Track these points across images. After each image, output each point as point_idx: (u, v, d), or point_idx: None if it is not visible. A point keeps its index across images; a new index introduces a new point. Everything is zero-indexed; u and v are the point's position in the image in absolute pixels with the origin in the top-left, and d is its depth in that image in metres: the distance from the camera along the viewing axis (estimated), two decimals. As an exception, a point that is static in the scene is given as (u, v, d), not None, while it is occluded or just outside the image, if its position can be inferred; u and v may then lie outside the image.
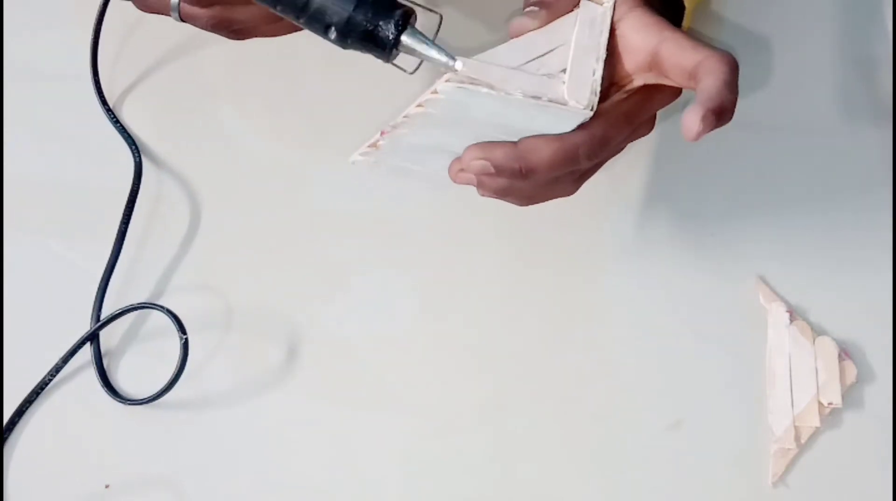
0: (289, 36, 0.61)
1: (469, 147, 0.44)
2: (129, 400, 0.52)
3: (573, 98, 0.41)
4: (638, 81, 0.44)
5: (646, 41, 0.42)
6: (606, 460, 0.53)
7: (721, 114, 0.40)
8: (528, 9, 0.43)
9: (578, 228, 0.58)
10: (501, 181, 0.44)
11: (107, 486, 0.51)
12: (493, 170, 0.43)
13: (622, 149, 0.47)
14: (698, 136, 0.39)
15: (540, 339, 0.56)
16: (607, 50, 0.42)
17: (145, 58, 0.61)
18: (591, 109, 0.41)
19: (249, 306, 0.55)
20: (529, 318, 0.56)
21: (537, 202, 0.47)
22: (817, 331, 0.56)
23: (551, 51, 0.42)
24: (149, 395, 0.51)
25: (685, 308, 0.57)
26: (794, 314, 0.56)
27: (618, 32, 0.43)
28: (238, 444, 0.53)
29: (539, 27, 0.43)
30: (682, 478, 0.53)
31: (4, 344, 0.54)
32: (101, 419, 0.53)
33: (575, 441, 0.54)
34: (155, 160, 0.59)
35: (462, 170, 0.45)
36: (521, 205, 0.47)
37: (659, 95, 0.45)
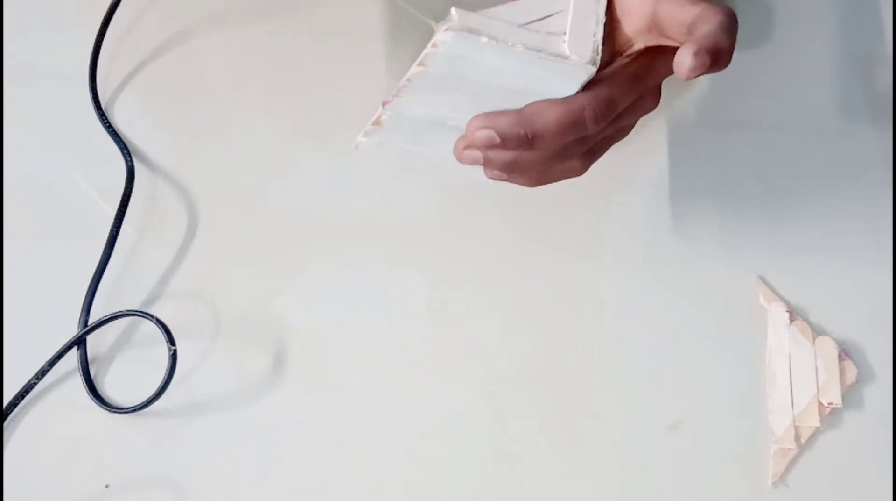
0: (286, 36, 0.61)
1: (473, 118, 0.43)
2: (115, 408, 0.52)
3: (574, 53, 0.40)
4: (639, 44, 0.43)
5: (644, 2, 0.42)
6: (606, 460, 0.53)
7: (716, 55, 0.39)
8: None
9: (576, 229, 0.58)
10: (508, 154, 0.43)
11: (106, 485, 0.51)
12: (498, 140, 0.42)
13: (631, 126, 0.46)
14: (690, 72, 0.39)
15: (539, 339, 0.56)
16: (607, 15, 0.42)
17: (138, 59, 0.61)
18: (594, 64, 0.41)
19: (245, 308, 0.55)
20: (529, 318, 0.56)
21: (547, 182, 0.47)
22: (817, 331, 0.56)
23: (550, 15, 0.41)
24: (136, 403, 0.51)
25: (685, 308, 0.57)
26: (794, 313, 0.57)
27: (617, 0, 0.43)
28: (231, 450, 0.52)
29: None
30: (682, 478, 0.53)
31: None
32: (87, 424, 0.52)
33: (575, 440, 0.54)
34: (149, 163, 0.58)
35: (468, 146, 0.44)
36: (531, 185, 0.46)
37: (663, 58, 0.44)
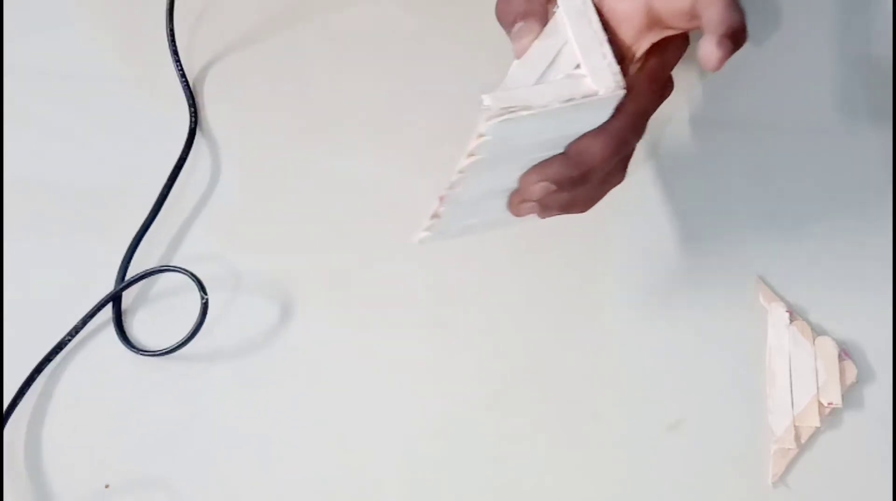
0: (302, 40, 0.62)
1: (523, 176, 0.44)
2: (146, 351, 0.54)
3: (601, 86, 0.40)
4: (644, 45, 0.43)
5: (635, 4, 0.42)
6: (606, 459, 0.53)
7: (735, 36, 0.39)
8: (516, 28, 0.42)
9: (579, 229, 0.58)
10: (563, 195, 0.44)
11: (106, 485, 0.51)
12: (554, 188, 0.43)
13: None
14: (719, 62, 0.39)
15: (539, 339, 0.56)
16: (604, 30, 0.42)
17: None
18: (623, 88, 0.41)
19: (245, 306, 0.55)
20: (528, 318, 0.56)
21: (596, 202, 0.47)
22: (817, 331, 0.56)
23: (558, 53, 0.41)
24: (163, 348, 0.53)
25: (685, 308, 0.57)
26: (794, 314, 0.57)
27: (605, 9, 0.42)
28: (231, 452, 0.52)
29: (532, 40, 0.42)
30: (682, 478, 0.53)
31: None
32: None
33: (575, 440, 0.54)
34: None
35: (523, 201, 0.44)
36: (584, 211, 0.47)
37: (671, 48, 0.44)
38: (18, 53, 0.61)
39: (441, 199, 0.44)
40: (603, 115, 0.42)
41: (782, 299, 0.57)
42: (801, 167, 0.61)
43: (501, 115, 0.39)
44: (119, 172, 0.58)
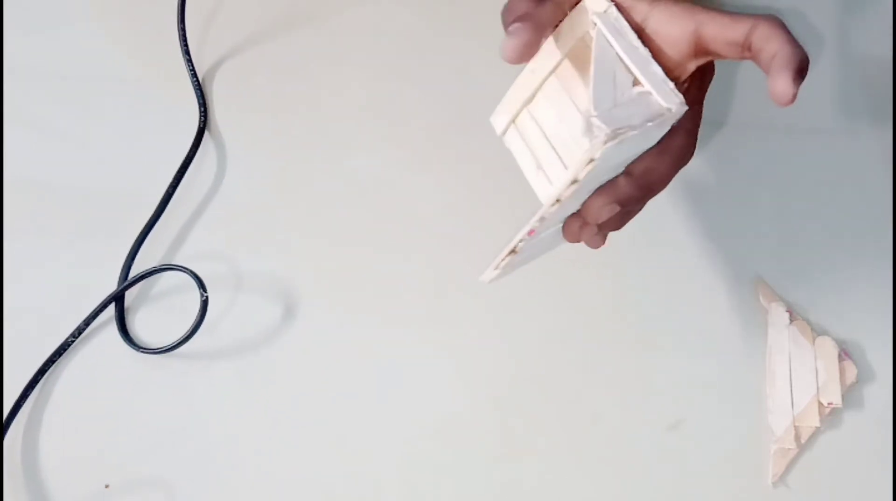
0: (299, 35, 0.62)
1: (590, 201, 0.43)
2: (147, 349, 0.54)
3: (668, 103, 0.40)
4: (690, 68, 0.43)
5: (682, 29, 0.42)
6: (606, 459, 0.53)
7: (802, 71, 0.40)
8: (511, 28, 0.41)
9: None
10: (620, 216, 0.44)
11: (106, 485, 0.51)
12: (618, 209, 0.43)
13: None
14: (794, 98, 0.39)
15: (539, 339, 0.56)
16: (646, 47, 0.41)
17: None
18: (685, 104, 0.40)
19: (244, 304, 0.56)
20: (529, 318, 0.56)
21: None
22: (817, 331, 0.56)
23: (615, 72, 0.41)
24: (165, 345, 0.53)
25: (685, 308, 0.57)
26: (794, 313, 0.57)
27: (649, 32, 0.42)
28: (231, 449, 0.52)
29: (526, 42, 0.41)
30: (682, 478, 0.53)
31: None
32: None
33: (575, 440, 0.54)
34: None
35: (585, 225, 0.44)
36: (623, 226, 0.47)
37: (708, 74, 0.45)
38: (19, 53, 0.61)
39: (531, 233, 0.43)
40: (660, 134, 0.42)
41: (782, 299, 0.57)
42: (800, 167, 0.61)
43: (615, 137, 0.38)
44: (123, 172, 0.58)
